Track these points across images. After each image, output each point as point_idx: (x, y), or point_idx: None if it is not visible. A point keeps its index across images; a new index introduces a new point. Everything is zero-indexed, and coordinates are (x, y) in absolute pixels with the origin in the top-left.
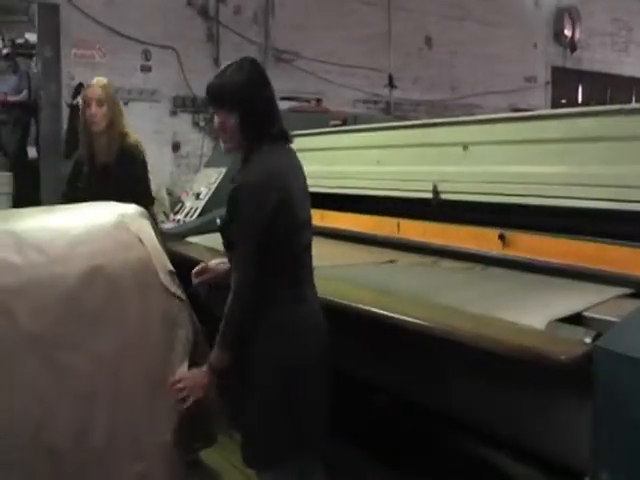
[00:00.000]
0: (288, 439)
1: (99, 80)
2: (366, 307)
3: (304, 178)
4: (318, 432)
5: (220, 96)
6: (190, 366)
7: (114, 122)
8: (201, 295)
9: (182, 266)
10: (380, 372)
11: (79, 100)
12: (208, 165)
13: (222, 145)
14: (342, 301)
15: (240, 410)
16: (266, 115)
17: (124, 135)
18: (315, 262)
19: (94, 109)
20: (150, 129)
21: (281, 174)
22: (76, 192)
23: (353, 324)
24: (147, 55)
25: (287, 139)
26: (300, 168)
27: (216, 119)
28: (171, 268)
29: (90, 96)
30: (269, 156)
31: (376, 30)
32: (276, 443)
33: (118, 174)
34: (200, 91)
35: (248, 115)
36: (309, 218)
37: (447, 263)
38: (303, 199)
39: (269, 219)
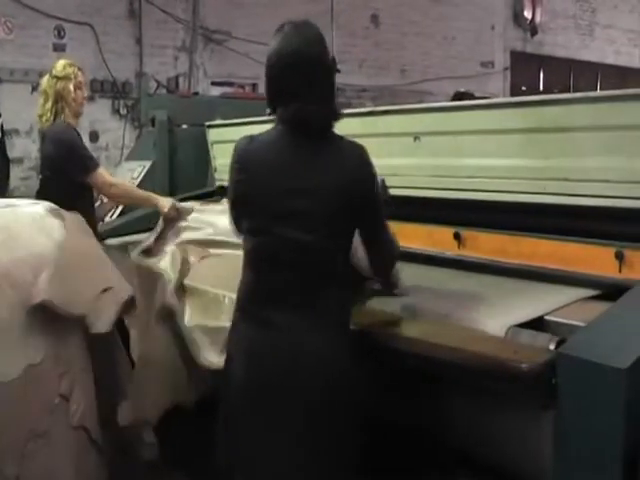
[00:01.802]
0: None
1: (75, 63)
2: None
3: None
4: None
5: None
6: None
7: None
8: None
9: None
10: None
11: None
12: (130, 158)
13: None
14: None
15: None
16: None
17: None
18: None
19: (85, 93)
20: None
21: None
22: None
23: None
24: (60, 32)
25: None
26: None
27: None
28: None
29: (81, 80)
30: None
31: (317, 7)
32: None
33: None
34: (121, 74)
35: None
36: None
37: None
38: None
39: None
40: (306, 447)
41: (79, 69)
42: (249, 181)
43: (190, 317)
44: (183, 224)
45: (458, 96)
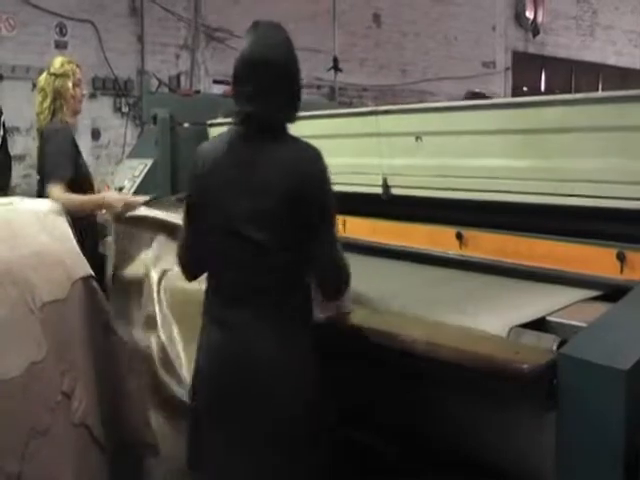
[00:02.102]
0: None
1: (73, 60)
2: None
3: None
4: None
5: None
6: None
7: None
8: None
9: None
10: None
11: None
12: (132, 156)
13: None
14: None
15: None
16: None
17: None
18: None
19: (84, 90)
20: None
21: None
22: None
23: None
24: (62, 29)
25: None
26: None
27: None
28: (90, 272)
29: (80, 77)
30: None
31: (319, 6)
32: None
33: None
34: (122, 71)
35: None
36: None
37: (398, 264)
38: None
39: None
40: (262, 455)
41: (77, 66)
42: (204, 181)
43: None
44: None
45: (470, 96)
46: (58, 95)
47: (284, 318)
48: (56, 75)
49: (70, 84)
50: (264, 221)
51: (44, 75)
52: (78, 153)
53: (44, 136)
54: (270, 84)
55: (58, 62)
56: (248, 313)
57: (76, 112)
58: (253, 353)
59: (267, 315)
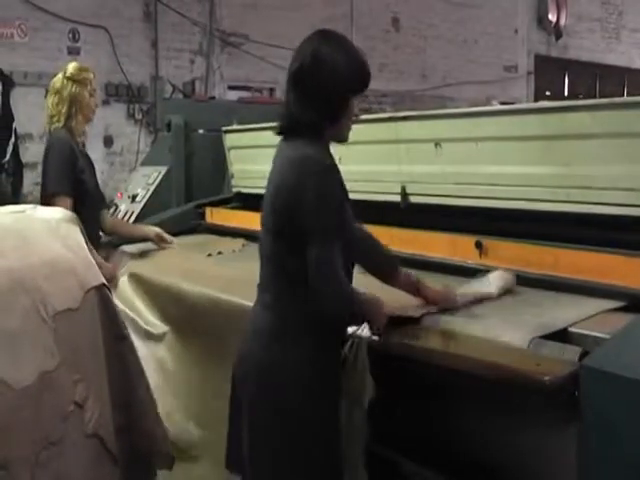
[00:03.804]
0: None
1: (89, 68)
2: None
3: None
4: None
5: None
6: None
7: None
8: None
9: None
10: None
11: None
12: (145, 163)
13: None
14: None
15: None
16: None
17: None
18: None
19: (97, 100)
20: None
21: None
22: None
23: None
24: (75, 35)
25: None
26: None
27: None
28: (102, 280)
29: (95, 87)
30: None
31: (337, 10)
32: None
33: None
34: (136, 77)
35: None
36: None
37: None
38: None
39: None
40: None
41: (93, 74)
42: None
43: None
44: None
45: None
46: (74, 101)
47: (280, 314)
48: (73, 80)
49: (87, 93)
50: (264, 217)
51: (59, 77)
52: (81, 168)
53: (48, 142)
54: (301, 91)
55: (75, 68)
56: (256, 304)
57: (89, 120)
58: (249, 345)
59: (266, 308)
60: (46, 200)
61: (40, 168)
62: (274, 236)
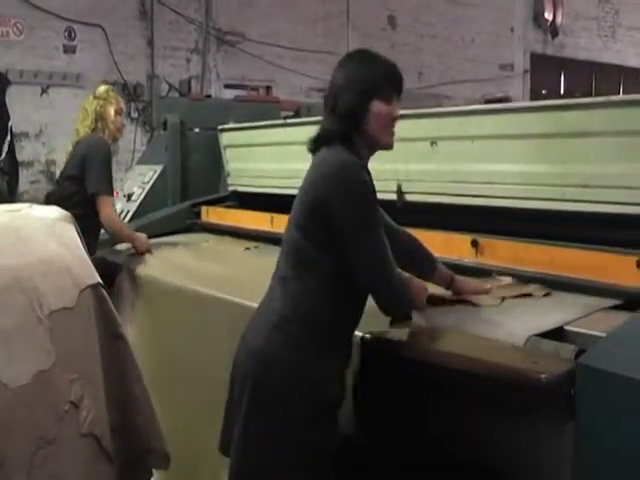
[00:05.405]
0: None
1: (116, 90)
2: None
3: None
4: None
5: None
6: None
7: None
8: None
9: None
10: None
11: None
12: (141, 162)
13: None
14: None
15: None
16: None
17: None
18: None
19: (124, 121)
20: (74, 119)
21: None
22: None
23: None
24: (71, 34)
25: None
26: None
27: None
28: (98, 279)
29: (122, 107)
30: None
31: (333, 8)
32: None
33: None
34: (132, 76)
35: None
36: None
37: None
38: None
39: None
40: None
41: (120, 97)
42: None
43: None
44: None
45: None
46: (99, 117)
47: (283, 310)
48: (98, 98)
49: (112, 110)
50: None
51: (89, 98)
52: None
53: (87, 142)
54: (330, 101)
55: (103, 88)
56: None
57: (116, 139)
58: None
59: (269, 298)
60: (92, 199)
61: (36, 167)
62: (302, 232)
